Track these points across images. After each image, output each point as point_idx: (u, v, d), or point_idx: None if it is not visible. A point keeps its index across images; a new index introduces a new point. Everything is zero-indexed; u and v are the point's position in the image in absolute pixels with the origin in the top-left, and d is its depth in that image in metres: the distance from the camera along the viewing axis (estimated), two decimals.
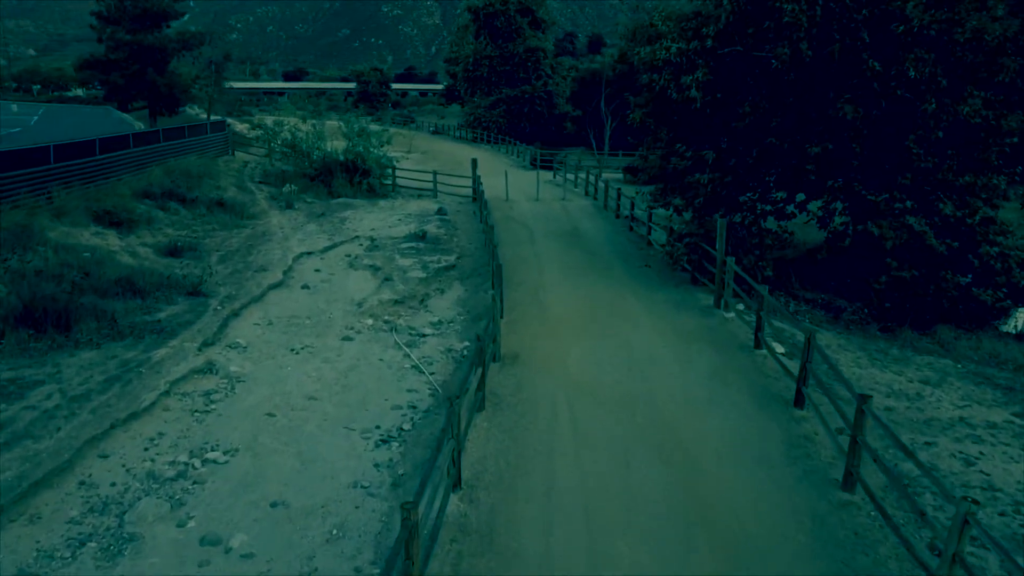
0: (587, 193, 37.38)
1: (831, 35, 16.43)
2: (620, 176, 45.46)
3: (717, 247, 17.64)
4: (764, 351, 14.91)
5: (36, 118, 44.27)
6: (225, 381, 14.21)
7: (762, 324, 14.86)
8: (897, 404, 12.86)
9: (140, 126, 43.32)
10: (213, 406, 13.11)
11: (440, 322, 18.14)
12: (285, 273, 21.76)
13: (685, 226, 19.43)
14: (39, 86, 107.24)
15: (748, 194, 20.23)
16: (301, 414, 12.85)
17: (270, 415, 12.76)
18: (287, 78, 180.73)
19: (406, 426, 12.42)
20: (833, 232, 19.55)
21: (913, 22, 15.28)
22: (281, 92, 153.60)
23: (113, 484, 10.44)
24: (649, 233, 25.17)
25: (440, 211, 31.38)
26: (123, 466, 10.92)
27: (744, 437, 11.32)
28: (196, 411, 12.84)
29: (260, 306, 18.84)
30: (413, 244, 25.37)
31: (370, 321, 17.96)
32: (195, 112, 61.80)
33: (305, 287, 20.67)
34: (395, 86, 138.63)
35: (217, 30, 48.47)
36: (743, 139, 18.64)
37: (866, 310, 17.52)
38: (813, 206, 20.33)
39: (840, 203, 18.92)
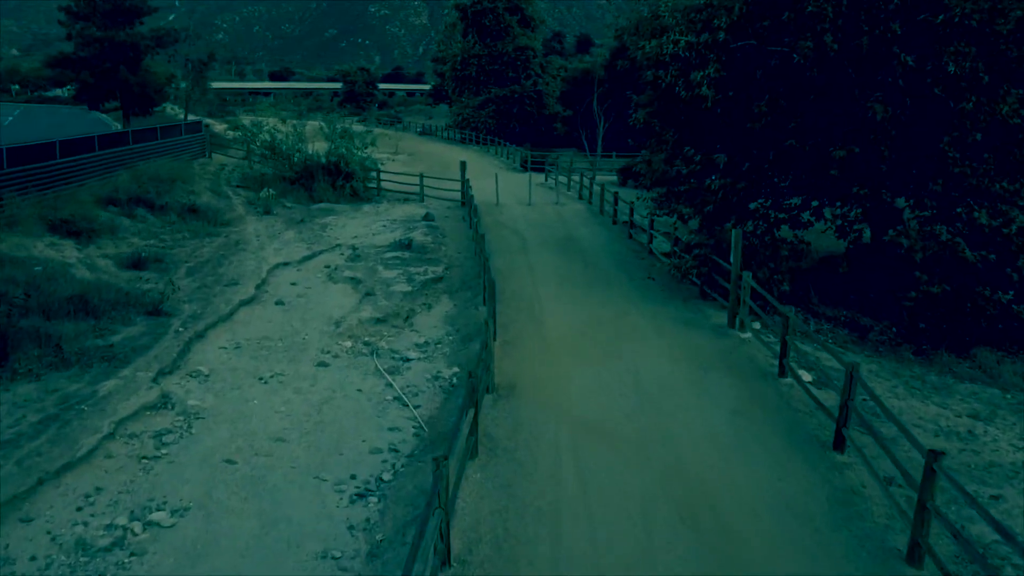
0: (581, 197, 35.77)
1: (859, 27, 14.86)
2: (614, 178, 43.86)
3: (731, 260, 16.03)
4: (790, 380, 13.31)
5: (11, 119, 42.26)
6: (181, 418, 12.47)
7: (787, 349, 13.25)
8: (948, 445, 11.28)
9: (118, 127, 41.44)
10: (165, 450, 11.38)
11: (427, 343, 16.45)
12: (258, 287, 20.02)
13: (694, 236, 17.82)
14: (17, 86, 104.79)
15: (760, 200, 18.64)
16: (265, 460, 11.14)
17: (230, 462, 11.05)
18: (273, 78, 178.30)
19: (386, 476, 10.73)
20: (854, 242, 17.99)
21: (955, 11, 13.70)
22: (267, 92, 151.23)
23: (33, 558, 8.70)
24: (650, 242, 23.56)
25: (427, 217, 29.68)
26: (48, 533, 9.18)
27: (780, 491, 9.69)
28: (144, 457, 11.11)
29: (228, 326, 17.10)
30: (398, 254, 23.66)
31: (349, 343, 16.25)
32: (175, 112, 59.86)
33: (279, 303, 18.94)
34: (382, 86, 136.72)
35: (194, 29, 46.45)
36: (758, 141, 17.06)
37: (894, 329, 15.96)
38: (828, 212, 18.75)
39: (859, 210, 17.35)
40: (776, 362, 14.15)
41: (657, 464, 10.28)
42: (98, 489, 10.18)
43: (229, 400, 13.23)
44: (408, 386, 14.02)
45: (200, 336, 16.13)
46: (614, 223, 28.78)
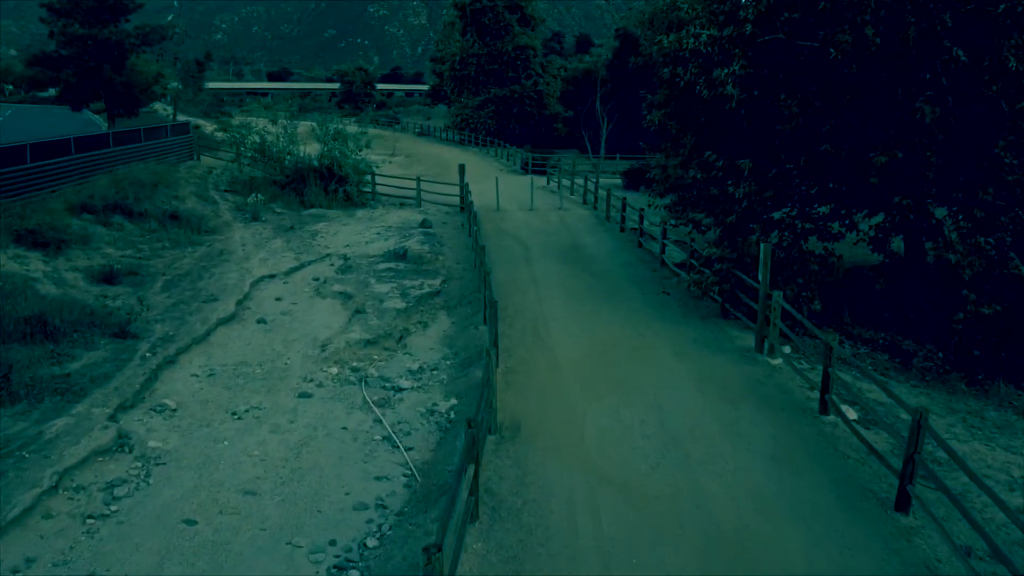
0: (586, 201, 34.16)
1: (904, 18, 13.27)
2: (619, 181, 42.30)
3: (759, 278, 14.45)
4: (833, 417, 11.72)
5: (2, 119, 40.65)
6: (139, 464, 10.89)
7: (830, 382, 11.66)
8: None
9: (114, 127, 39.80)
10: (115, 506, 9.79)
11: (421, 369, 14.87)
12: (239, 303, 18.43)
13: (714, 249, 16.21)
14: (11, 86, 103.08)
15: (785, 209, 17.06)
16: (231, 520, 9.54)
17: (189, 522, 9.45)
18: (271, 78, 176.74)
19: (371, 541, 9.14)
20: (888, 255, 16.42)
21: None
22: (265, 92, 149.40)
23: None
24: (663, 251, 21.96)
25: (424, 223, 28.07)
26: None
27: (843, 567, 8.09)
28: (90, 516, 9.52)
29: (203, 349, 15.52)
30: (392, 265, 22.05)
31: (335, 370, 14.65)
32: (166, 112, 58.17)
33: (261, 321, 17.35)
34: (381, 86, 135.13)
35: (184, 27, 44.78)
36: (787, 145, 15.48)
37: (941, 355, 14.37)
38: (862, 222, 17.17)
39: (899, 220, 15.77)
40: (814, 394, 12.59)
41: (693, 532, 8.68)
42: (29, 561, 8.58)
43: (196, 441, 11.64)
44: (399, 423, 12.43)
45: (170, 361, 14.54)
46: (622, 230, 27.19)
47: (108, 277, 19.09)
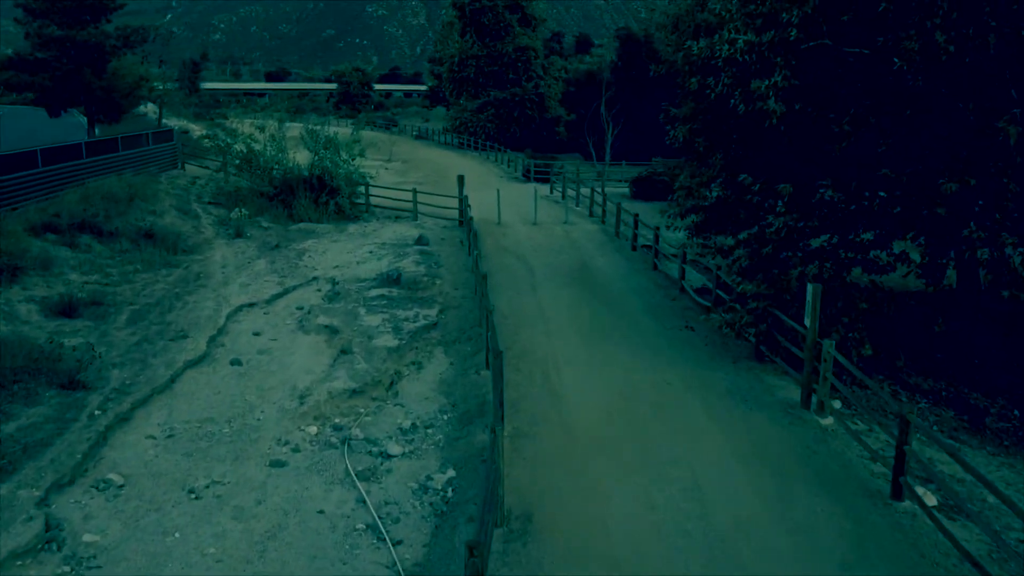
0: (592, 214, 32.12)
1: (982, 22, 11.29)
2: (626, 190, 40.33)
3: (806, 322, 12.47)
4: (909, 503, 9.74)
5: None
6: (67, 568, 8.90)
7: (906, 463, 9.68)
8: None
9: (96, 133, 37.75)
10: None
11: (414, 427, 12.89)
12: (212, 340, 16.47)
13: (749, 284, 14.20)
14: (2, 87, 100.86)
15: (825, 236, 15.07)
16: None
17: None
18: (269, 78, 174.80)
19: None
20: (947, 290, 14.46)
21: None
22: (262, 93, 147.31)
23: None
24: (682, 276, 19.98)
25: (420, 240, 26.08)
26: None
27: None
28: None
29: (165, 401, 13.56)
30: (384, 291, 20.07)
31: (314, 429, 12.68)
32: (157, 116, 56.03)
33: (236, 363, 15.38)
34: (379, 87, 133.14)
35: (161, 28, 42.68)
36: (835, 167, 13.51)
37: (1017, 412, 12.40)
38: (900, 248, 15.17)
39: (961, 253, 13.80)
40: (878, 467, 10.65)
41: None
42: None
43: (141, 533, 9.66)
44: (387, 503, 10.46)
45: (124, 419, 12.60)
46: (634, 249, 25.20)
47: (67, 309, 17.09)
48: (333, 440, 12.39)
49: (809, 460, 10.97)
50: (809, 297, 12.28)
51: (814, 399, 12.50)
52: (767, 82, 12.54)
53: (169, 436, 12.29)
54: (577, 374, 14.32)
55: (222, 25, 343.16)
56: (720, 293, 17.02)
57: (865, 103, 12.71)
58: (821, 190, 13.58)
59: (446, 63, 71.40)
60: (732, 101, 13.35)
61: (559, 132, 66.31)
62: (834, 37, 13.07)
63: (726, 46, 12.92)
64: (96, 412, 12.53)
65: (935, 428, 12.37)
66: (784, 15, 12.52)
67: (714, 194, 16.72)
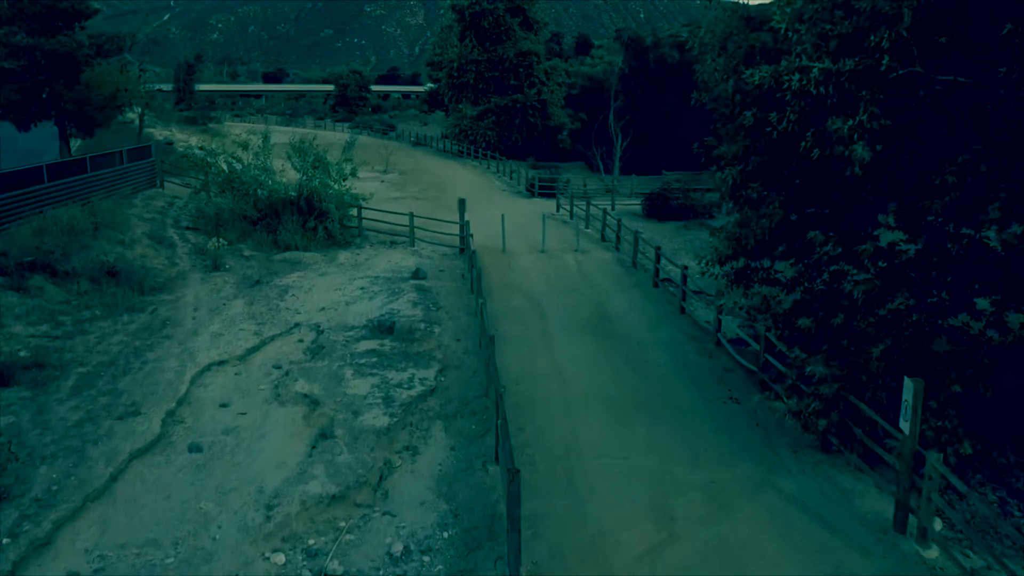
0: (605, 238, 29.53)
1: None
2: (637, 207, 37.77)
3: (902, 426, 9.90)
4: None
5: None
6: None
7: None
8: None
9: (70, 147, 35.18)
10: None
11: (407, 551, 10.31)
12: (170, 415, 13.90)
13: (821, 366, 11.57)
14: None
15: (900, 300, 12.44)
16: None
17: None
18: (267, 79, 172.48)
19: None
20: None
21: None
22: (258, 95, 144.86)
23: None
24: (719, 328, 17.40)
25: (417, 273, 23.50)
26: None
27: None
28: None
29: (99, 511, 10.97)
30: (375, 344, 17.49)
31: (281, 558, 10.09)
32: (154, 129, 53.31)
33: (195, 449, 12.80)
34: (376, 88, 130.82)
35: (137, 36, 40.10)
36: (930, 223, 10.95)
37: None
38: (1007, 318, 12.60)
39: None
40: None
41: None
42: None
43: None
44: None
45: (40, 545, 10.02)
46: (655, 284, 22.62)
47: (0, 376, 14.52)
48: (306, 573, 9.81)
49: None
50: (908, 396, 9.70)
51: (912, 521, 9.92)
52: (851, 123, 9.97)
53: (95, 571, 9.69)
54: (605, 472, 11.75)
55: (220, 25, 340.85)
56: (769, 358, 14.43)
57: (975, 147, 10.13)
58: (911, 248, 11.00)
59: (445, 68, 68.81)
60: (804, 143, 10.78)
61: (562, 140, 63.85)
62: (925, 63, 10.49)
63: (796, 75, 10.35)
64: (5, 540, 9.94)
65: None
66: (872, 37, 9.94)
67: (755, 237, 14.07)
